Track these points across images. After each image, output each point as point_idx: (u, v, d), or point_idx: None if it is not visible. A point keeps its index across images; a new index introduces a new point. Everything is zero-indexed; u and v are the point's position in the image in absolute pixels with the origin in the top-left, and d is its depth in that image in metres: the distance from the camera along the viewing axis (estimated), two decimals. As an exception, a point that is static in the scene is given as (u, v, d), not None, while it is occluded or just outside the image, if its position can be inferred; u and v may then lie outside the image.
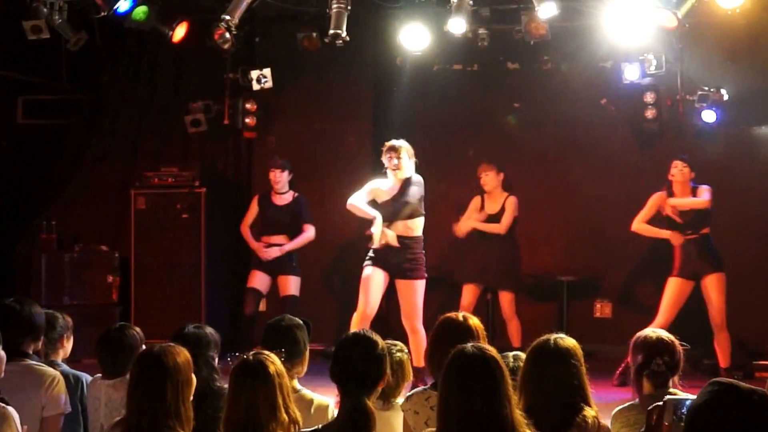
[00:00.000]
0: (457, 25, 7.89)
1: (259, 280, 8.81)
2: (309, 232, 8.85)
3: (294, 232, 8.81)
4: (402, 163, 7.44)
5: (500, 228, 8.67)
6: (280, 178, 8.86)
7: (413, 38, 8.56)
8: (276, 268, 8.79)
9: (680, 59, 8.90)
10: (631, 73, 9.05)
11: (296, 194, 8.93)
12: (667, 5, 7.80)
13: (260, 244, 8.83)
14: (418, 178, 7.59)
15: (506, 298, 8.69)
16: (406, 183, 7.52)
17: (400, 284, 7.52)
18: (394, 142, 7.53)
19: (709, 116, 8.93)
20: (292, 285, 8.78)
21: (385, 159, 7.49)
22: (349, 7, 7.74)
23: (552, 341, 3.62)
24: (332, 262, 9.92)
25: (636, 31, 8.07)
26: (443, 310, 4.36)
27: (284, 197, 8.91)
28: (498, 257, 8.67)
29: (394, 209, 7.49)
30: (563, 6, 7.88)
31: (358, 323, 7.23)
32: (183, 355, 3.51)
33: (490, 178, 8.72)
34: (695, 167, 8.14)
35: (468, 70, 9.72)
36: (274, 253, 8.75)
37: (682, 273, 8.09)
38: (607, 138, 9.59)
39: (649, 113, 9.27)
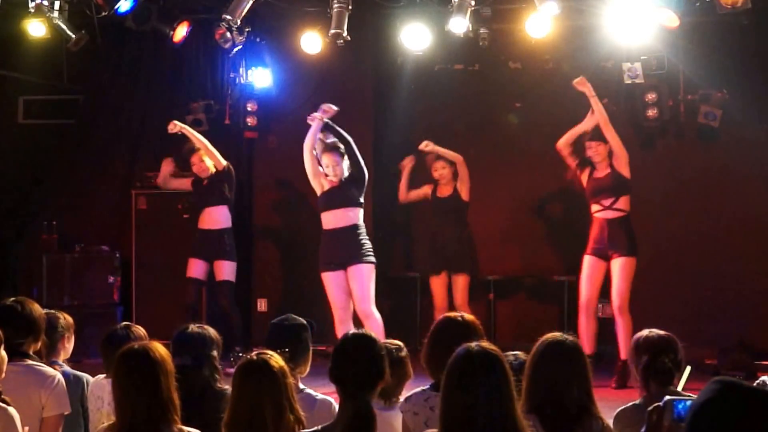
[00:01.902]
0: (459, 25, 7.87)
1: (196, 269, 8.80)
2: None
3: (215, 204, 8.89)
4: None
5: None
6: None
7: (414, 38, 8.55)
8: (212, 253, 8.79)
9: (682, 59, 8.89)
10: (632, 73, 9.03)
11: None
12: (669, 5, 7.79)
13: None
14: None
15: (460, 283, 8.75)
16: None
17: None
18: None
19: (710, 116, 8.92)
20: (227, 270, 8.77)
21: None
22: (350, 7, 7.74)
23: (564, 339, 3.60)
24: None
25: (637, 31, 8.06)
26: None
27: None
28: (454, 240, 8.82)
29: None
30: (565, 5, 7.87)
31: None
32: (162, 347, 3.48)
33: (444, 173, 8.95)
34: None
35: (469, 70, 9.72)
36: None
37: (594, 252, 8.12)
38: (608, 138, 9.56)
39: (651, 113, 9.26)
